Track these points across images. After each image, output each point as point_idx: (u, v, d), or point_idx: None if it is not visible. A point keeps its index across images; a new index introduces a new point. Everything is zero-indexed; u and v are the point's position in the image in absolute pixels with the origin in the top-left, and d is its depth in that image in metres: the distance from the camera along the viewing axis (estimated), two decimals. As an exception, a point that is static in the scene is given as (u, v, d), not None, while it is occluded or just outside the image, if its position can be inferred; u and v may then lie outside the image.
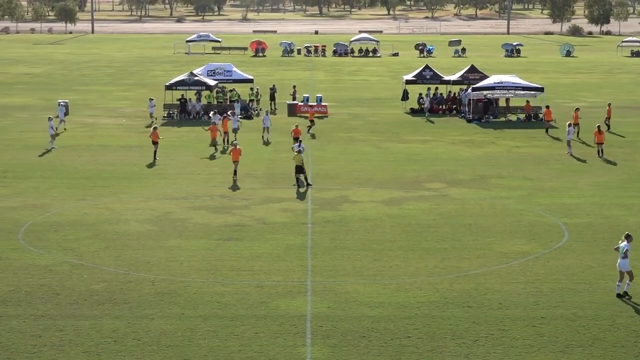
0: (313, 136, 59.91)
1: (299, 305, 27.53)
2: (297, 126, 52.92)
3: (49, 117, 56.44)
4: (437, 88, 75.07)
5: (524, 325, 25.91)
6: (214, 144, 55.31)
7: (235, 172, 45.70)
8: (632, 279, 28.24)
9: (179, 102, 69.34)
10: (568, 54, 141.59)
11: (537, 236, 35.40)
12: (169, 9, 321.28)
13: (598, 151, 52.59)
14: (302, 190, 43.51)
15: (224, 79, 74.91)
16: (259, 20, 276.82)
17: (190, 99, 70.46)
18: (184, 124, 65.46)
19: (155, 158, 50.91)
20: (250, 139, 57.54)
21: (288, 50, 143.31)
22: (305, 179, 44.39)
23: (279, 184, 44.89)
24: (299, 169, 44.29)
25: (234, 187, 44.23)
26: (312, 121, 62.17)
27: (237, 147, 46.27)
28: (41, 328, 25.56)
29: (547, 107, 64.64)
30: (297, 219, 38.04)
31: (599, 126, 53.28)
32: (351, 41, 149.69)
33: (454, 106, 72.56)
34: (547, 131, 62.01)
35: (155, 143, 51.29)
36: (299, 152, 44.48)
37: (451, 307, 27.38)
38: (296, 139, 50.21)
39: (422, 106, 70.77)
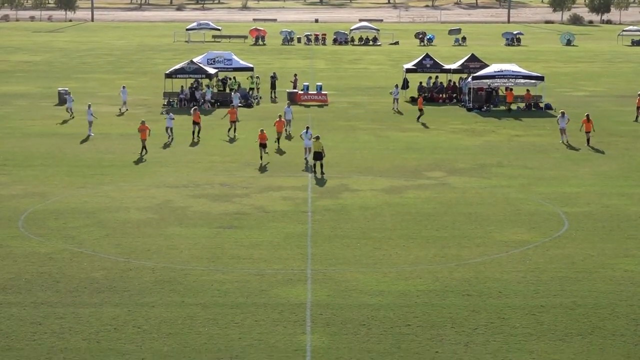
0: (425, 125, 60.17)
1: (298, 293, 27.55)
2: (262, 131, 47.96)
3: (89, 105, 56.49)
4: (437, 77, 75.00)
5: (523, 314, 25.93)
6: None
7: (278, 140, 51.26)
8: None
9: (189, 90, 69.19)
10: (568, 42, 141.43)
11: (537, 225, 35.41)
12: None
13: (587, 140, 52.90)
14: (318, 176, 43.67)
15: (224, 67, 74.85)
16: (259, 8, 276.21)
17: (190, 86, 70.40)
18: (185, 112, 65.37)
19: (197, 137, 53.93)
20: (251, 127, 57.45)
21: (288, 39, 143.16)
22: (322, 166, 44.38)
23: (279, 173, 44.90)
24: (318, 156, 44.30)
25: (280, 151, 50.33)
26: (421, 110, 62.57)
27: (282, 118, 52.51)
28: (41, 315, 25.58)
29: (510, 89, 67.75)
30: (297, 207, 38.05)
31: (587, 115, 53.39)
32: (351, 30, 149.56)
33: (454, 95, 72.55)
34: (509, 111, 65.50)
35: (196, 123, 54.01)
36: (317, 138, 44.63)
37: (451, 296, 27.40)
38: (262, 145, 47.16)
39: (393, 97, 69.98)
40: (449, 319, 25.53)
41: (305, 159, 46.67)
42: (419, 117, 62.20)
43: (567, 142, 53.30)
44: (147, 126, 49.65)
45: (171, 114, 55.01)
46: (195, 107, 55.63)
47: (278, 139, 51.19)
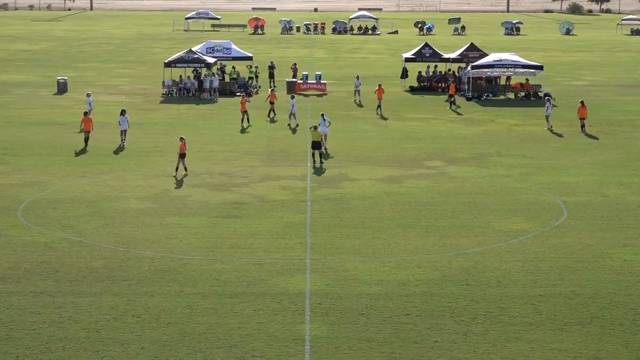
0: (458, 113, 60.81)
1: (298, 282, 27.56)
2: (182, 139, 42.02)
3: (87, 93, 56.45)
4: (436, 66, 74.94)
5: (522, 303, 25.95)
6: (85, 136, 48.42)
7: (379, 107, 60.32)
8: None
9: (195, 79, 69.22)
10: (568, 32, 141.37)
11: (536, 214, 35.42)
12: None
13: (581, 126, 53.18)
14: (317, 166, 43.62)
15: (223, 57, 74.80)
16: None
17: (189, 76, 70.35)
18: (184, 102, 65.37)
19: (246, 122, 55.89)
20: (250, 117, 57.40)
21: (287, 28, 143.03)
22: (321, 155, 44.32)
23: (279, 162, 44.87)
24: (317, 145, 44.20)
25: (382, 117, 58.77)
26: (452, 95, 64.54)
27: (381, 87, 61.10)
28: (40, 305, 25.58)
29: (453, 82, 67.69)
30: (297, 196, 38.04)
31: (582, 101, 53.83)
32: (350, 19, 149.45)
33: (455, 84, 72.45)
34: (450, 105, 63.61)
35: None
36: (315, 127, 44.62)
37: (450, 285, 27.41)
38: (181, 156, 41.48)
39: (354, 88, 69.26)
40: (447, 308, 25.55)
41: (325, 147, 46.79)
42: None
43: (551, 128, 53.99)
44: (91, 117, 48.18)
45: (126, 114, 49.37)
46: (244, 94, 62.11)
47: (379, 106, 60.47)
